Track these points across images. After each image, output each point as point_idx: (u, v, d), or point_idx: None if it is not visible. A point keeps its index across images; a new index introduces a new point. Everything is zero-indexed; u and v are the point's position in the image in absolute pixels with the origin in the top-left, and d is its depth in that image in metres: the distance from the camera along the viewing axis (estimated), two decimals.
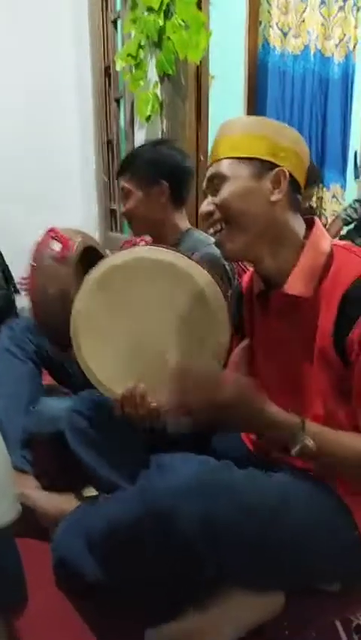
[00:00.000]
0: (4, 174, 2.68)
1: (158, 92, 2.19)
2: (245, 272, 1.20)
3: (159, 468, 0.85)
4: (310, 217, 0.94)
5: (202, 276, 0.87)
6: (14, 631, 0.94)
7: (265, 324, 0.97)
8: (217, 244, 0.94)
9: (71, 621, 0.97)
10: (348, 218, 3.14)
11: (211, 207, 0.90)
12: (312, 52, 3.30)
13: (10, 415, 1.34)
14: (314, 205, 3.40)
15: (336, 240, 0.93)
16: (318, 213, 3.29)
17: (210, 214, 0.91)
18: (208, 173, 0.91)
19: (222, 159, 0.88)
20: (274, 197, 0.87)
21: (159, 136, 2.19)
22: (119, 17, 2.53)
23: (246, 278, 1.06)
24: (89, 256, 1.18)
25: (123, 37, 2.47)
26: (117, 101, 2.67)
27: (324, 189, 3.43)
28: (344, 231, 3.15)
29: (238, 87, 3.14)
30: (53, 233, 1.15)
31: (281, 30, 3.20)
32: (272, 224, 0.88)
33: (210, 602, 0.88)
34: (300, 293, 0.88)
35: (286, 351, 0.93)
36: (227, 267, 1.34)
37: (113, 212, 2.85)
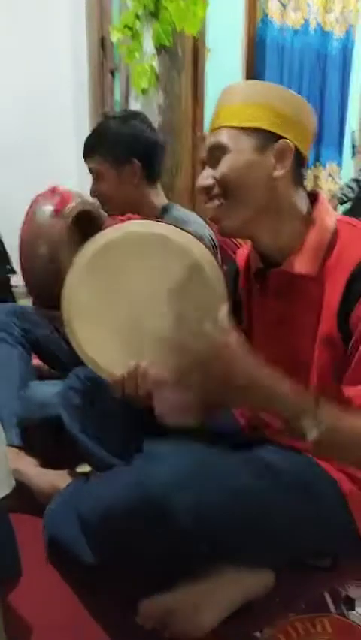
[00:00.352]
0: None
1: (154, 64, 2.14)
2: (238, 247, 1.17)
3: (152, 458, 0.84)
4: (314, 191, 0.91)
5: (198, 248, 0.84)
6: (8, 605, 0.95)
7: (263, 303, 0.94)
8: (213, 220, 0.90)
9: (64, 596, 0.97)
10: (344, 197, 3.11)
11: (210, 181, 0.85)
12: (312, 27, 3.23)
13: (3, 396, 1.33)
14: (307, 185, 3.36)
15: (341, 216, 0.89)
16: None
17: (208, 188, 0.86)
18: (208, 143, 0.86)
19: (222, 128, 0.84)
20: (277, 173, 0.83)
21: (155, 109, 2.15)
22: None
23: (242, 255, 1.03)
24: (88, 226, 1.15)
25: (120, 6, 2.40)
26: (112, 72, 2.61)
27: (320, 167, 3.39)
28: (339, 211, 3.12)
29: (235, 61, 3.07)
30: (53, 188, 1.12)
31: (281, 2, 3.12)
32: (274, 200, 0.85)
33: (205, 575, 0.88)
34: (306, 271, 0.85)
35: (286, 330, 0.90)
36: (208, 245, 1.31)
37: None
